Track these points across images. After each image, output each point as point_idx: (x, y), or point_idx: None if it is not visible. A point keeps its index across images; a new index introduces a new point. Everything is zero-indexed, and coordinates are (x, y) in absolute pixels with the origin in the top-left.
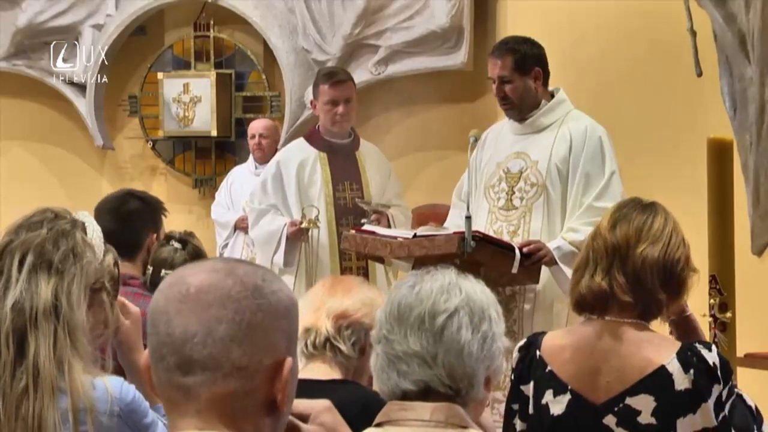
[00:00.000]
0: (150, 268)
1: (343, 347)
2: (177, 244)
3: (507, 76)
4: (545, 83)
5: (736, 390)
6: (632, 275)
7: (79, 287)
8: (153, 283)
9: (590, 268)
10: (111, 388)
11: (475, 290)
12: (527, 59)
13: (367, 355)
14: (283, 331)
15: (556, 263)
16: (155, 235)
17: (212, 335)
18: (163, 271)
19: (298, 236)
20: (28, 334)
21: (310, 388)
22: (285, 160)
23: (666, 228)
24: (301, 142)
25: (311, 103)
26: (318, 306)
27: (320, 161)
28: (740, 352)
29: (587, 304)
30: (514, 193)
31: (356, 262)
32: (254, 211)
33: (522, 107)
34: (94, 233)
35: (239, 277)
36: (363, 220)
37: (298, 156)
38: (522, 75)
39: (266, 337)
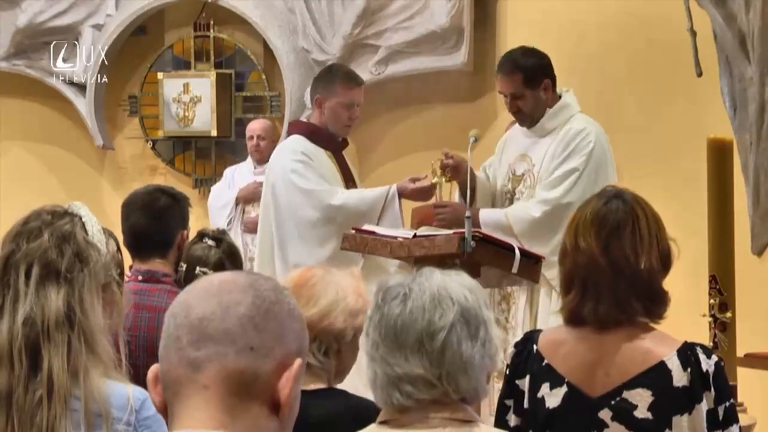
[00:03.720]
0: (183, 266)
1: (313, 361)
2: (211, 242)
3: (518, 93)
4: (554, 89)
5: None
6: (643, 291)
7: (91, 292)
8: (187, 281)
9: (590, 295)
10: (133, 398)
11: (465, 295)
12: (536, 73)
13: (344, 353)
14: (296, 334)
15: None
16: (185, 232)
17: (230, 312)
18: (197, 269)
19: (424, 195)
20: (42, 347)
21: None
22: (309, 152)
23: (650, 224)
24: (305, 141)
25: (317, 100)
26: None
27: (332, 161)
28: (740, 352)
29: (590, 323)
30: (515, 195)
31: None
32: (310, 191)
33: (534, 117)
34: (93, 226)
35: (262, 276)
36: None
37: (315, 152)
38: (533, 89)
39: (281, 330)
